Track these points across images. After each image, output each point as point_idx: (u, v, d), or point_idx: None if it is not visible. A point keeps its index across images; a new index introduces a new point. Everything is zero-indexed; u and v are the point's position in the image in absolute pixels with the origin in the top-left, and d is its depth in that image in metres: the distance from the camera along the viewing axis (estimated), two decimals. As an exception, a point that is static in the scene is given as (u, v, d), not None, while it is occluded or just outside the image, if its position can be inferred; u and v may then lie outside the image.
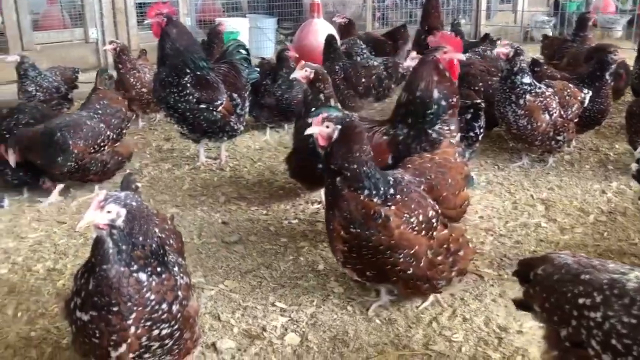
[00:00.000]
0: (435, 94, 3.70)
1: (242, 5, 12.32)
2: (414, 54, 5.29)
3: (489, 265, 3.79)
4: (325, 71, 4.52)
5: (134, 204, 2.21)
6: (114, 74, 6.60)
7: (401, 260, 2.98)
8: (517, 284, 3.47)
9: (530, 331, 3.11)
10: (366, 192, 2.95)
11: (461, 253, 3.18)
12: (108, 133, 4.85)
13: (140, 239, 2.21)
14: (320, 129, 3.00)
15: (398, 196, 2.99)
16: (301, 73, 4.36)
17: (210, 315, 3.28)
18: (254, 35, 10.24)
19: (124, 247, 2.19)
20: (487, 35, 8.68)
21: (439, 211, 3.12)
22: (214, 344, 3.03)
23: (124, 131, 5.07)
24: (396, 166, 3.36)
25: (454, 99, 3.75)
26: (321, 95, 4.35)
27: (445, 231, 3.14)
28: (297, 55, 6.42)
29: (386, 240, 2.93)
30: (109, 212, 2.15)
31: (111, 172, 4.99)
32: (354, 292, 3.47)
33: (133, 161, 5.75)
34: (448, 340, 3.06)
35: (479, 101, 4.62)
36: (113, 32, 9.64)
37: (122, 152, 5.01)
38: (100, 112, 4.92)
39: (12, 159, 4.59)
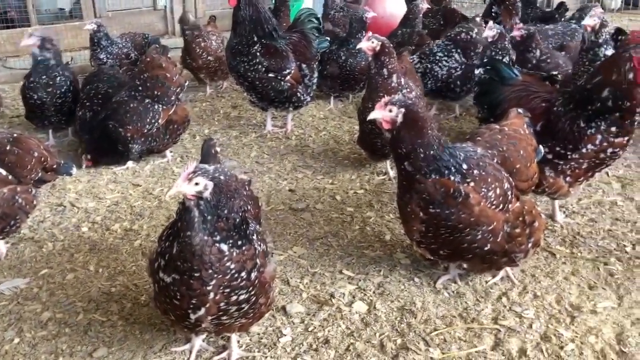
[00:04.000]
0: (605, 92, 3.49)
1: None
2: (491, 23, 5.19)
3: (561, 242, 3.70)
4: (392, 45, 4.45)
5: (222, 177, 2.26)
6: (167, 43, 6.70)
7: (479, 237, 2.94)
8: (590, 263, 3.44)
9: (604, 311, 3.04)
10: (443, 172, 2.89)
11: (536, 224, 3.12)
12: (156, 106, 4.81)
13: (226, 211, 2.27)
14: (383, 114, 2.93)
15: (475, 171, 2.93)
16: (367, 44, 4.29)
17: (280, 279, 3.36)
18: (318, 3, 10.14)
19: (209, 217, 2.26)
20: (562, 4, 8.30)
21: (513, 183, 3.06)
22: (283, 308, 3.11)
23: (174, 97, 4.89)
24: (466, 139, 3.30)
25: (628, 103, 3.43)
26: (384, 70, 4.28)
27: (519, 204, 3.08)
28: (375, 14, 6.31)
29: (466, 218, 2.89)
30: (197, 184, 2.21)
31: (173, 140, 5.05)
32: (421, 265, 3.47)
33: (202, 127, 5.91)
34: (518, 316, 3.03)
35: (555, 73, 4.46)
36: (180, -1, 9.79)
37: (176, 120, 4.95)
38: (140, 88, 4.83)
39: (85, 164, 4.90)
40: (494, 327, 2.96)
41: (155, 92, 4.83)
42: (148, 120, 4.77)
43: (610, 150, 3.58)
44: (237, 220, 2.34)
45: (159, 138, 4.89)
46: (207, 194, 2.24)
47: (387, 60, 4.27)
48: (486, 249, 2.99)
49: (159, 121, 4.83)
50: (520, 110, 3.44)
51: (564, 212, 4.04)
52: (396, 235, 3.81)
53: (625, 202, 4.20)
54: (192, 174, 2.22)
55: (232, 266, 2.34)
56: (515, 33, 5.34)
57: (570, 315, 3.03)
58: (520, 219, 3.05)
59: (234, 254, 2.34)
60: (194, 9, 9.68)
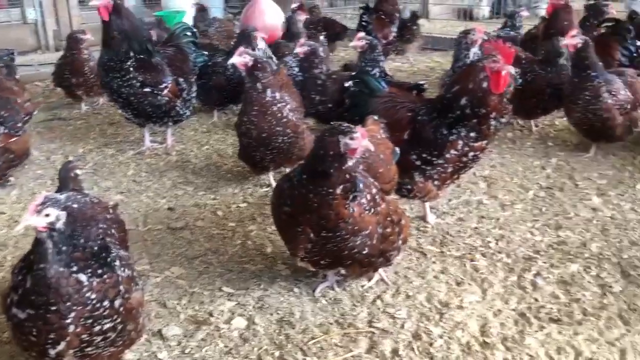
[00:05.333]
0: (463, 100, 3.69)
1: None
2: (361, 34, 5.38)
3: (432, 242, 3.89)
4: (265, 60, 4.48)
5: (75, 206, 2.16)
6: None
7: (358, 242, 3.01)
8: (458, 260, 3.64)
9: (470, 306, 3.22)
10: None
11: (403, 222, 3.27)
12: None
13: (82, 241, 2.18)
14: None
15: None
16: (240, 59, 4.27)
17: (156, 302, 3.26)
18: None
19: (64, 248, 2.16)
20: (414, 13, 8.79)
21: (379, 187, 3.19)
22: (159, 331, 3.02)
23: (20, 124, 4.69)
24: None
25: (484, 110, 3.68)
26: (258, 85, 4.29)
27: (384, 205, 3.20)
28: (265, 36, 6.29)
29: (351, 229, 2.95)
30: (47, 215, 2.11)
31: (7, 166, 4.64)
32: (301, 274, 3.51)
33: (76, 147, 5.64)
34: (391, 317, 3.15)
35: (422, 82, 4.70)
36: (53, 12, 9.32)
37: (14, 149, 4.60)
38: None
39: None
40: (368, 330, 3.05)
41: (2, 113, 4.53)
42: None
43: (471, 154, 3.84)
44: (96, 248, 2.26)
45: None
46: (59, 225, 2.14)
47: (261, 75, 4.28)
48: (364, 252, 3.07)
49: None
50: (375, 116, 3.64)
51: (435, 213, 4.26)
52: (277, 246, 3.82)
53: (490, 200, 4.50)
54: (41, 206, 2.12)
55: (93, 296, 2.25)
56: (299, 50, 5.34)
57: (439, 312, 3.18)
58: (389, 219, 3.17)
59: (94, 283, 2.25)
60: (68, 23, 9.26)
